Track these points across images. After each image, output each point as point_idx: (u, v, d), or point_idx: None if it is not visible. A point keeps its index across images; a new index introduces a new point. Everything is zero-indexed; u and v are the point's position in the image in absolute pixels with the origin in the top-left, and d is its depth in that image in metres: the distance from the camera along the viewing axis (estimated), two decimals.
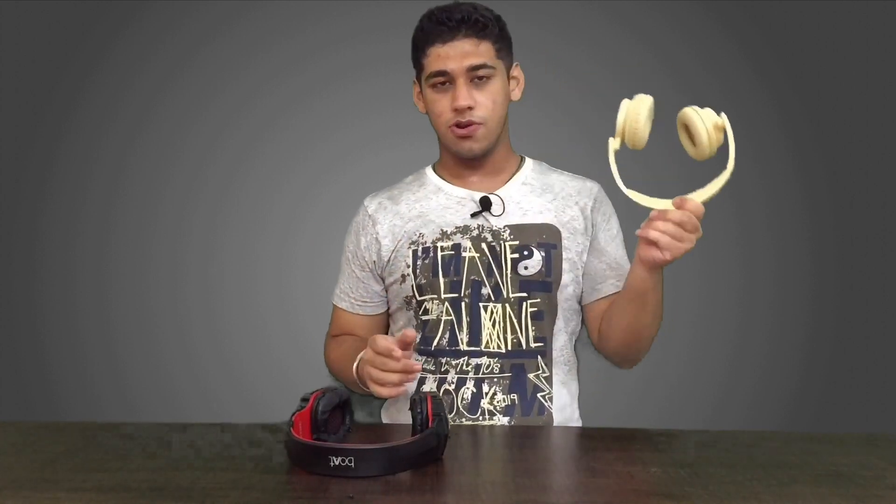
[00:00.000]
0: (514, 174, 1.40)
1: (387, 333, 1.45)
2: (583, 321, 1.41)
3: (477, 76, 1.30)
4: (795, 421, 2.03)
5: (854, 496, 0.87)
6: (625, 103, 1.13)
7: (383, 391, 1.14)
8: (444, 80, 1.30)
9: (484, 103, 1.30)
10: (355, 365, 1.24)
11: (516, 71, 1.38)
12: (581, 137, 1.96)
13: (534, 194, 1.38)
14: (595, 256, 1.38)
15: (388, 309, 1.43)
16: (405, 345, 1.11)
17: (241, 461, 0.99)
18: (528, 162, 1.44)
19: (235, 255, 2.12)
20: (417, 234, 1.35)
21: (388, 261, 1.37)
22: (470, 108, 1.29)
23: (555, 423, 1.32)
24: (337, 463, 0.92)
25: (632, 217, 1.53)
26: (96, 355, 2.12)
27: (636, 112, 1.11)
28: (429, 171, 1.45)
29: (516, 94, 1.38)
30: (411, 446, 0.96)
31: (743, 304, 2.08)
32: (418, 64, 1.35)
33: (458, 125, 1.31)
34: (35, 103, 2.12)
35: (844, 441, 1.11)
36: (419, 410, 1.01)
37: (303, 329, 2.06)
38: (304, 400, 1.04)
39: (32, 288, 2.12)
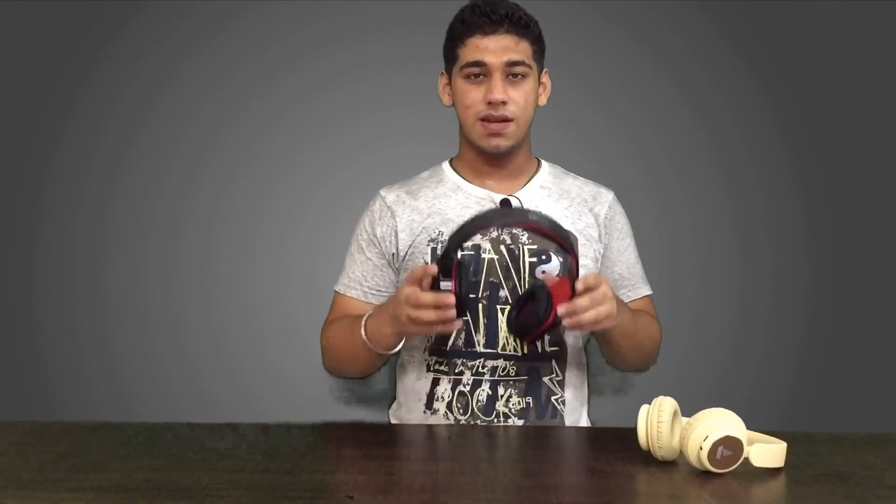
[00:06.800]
0: (531, 177, 1.40)
1: None
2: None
3: (513, 73, 1.29)
4: (794, 421, 2.03)
5: (854, 496, 0.87)
6: (643, 411, 0.99)
7: (420, 330, 1.17)
8: (480, 71, 1.29)
9: (517, 100, 1.30)
10: (363, 322, 1.25)
11: (545, 77, 1.38)
12: (578, 138, 1.96)
13: (551, 199, 1.38)
14: (607, 266, 1.39)
15: None
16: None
17: (241, 461, 0.99)
18: (545, 165, 1.44)
19: (232, 255, 2.11)
20: (437, 232, 1.34)
21: (405, 256, 1.36)
22: (504, 103, 1.28)
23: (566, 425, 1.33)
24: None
25: (643, 222, 1.53)
26: (93, 355, 2.11)
27: (655, 422, 0.97)
28: (446, 167, 1.43)
29: (542, 100, 1.38)
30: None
31: (740, 304, 2.08)
32: (452, 54, 1.33)
33: (488, 119, 1.30)
34: (30, 104, 2.11)
35: (844, 441, 1.11)
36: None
37: (300, 329, 2.05)
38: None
39: (28, 288, 2.11)
